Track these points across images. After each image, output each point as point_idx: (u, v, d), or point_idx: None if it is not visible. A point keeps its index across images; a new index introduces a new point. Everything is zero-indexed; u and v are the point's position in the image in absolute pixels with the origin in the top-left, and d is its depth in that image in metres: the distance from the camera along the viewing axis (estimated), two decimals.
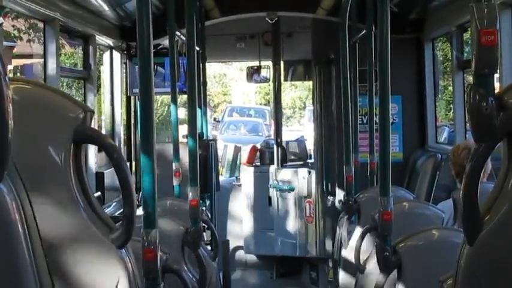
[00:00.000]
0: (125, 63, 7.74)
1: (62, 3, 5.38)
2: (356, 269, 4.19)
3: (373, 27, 5.51)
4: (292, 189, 8.83)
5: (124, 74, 7.73)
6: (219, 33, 8.91)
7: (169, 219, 4.27)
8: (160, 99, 18.97)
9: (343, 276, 5.12)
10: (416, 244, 3.32)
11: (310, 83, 10.21)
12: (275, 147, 9.27)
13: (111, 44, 7.29)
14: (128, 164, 7.40)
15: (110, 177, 6.41)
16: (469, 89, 1.86)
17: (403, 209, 4.18)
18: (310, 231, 8.66)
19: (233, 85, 35.88)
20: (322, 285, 8.55)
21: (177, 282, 3.02)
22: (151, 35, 2.75)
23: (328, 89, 8.12)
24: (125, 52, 7.64)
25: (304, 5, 7.71)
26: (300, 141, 10.29)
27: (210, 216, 6.78)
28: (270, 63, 10.00)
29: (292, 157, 9.48)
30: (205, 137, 7.66)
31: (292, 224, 8.88)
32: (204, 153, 6.91)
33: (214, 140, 9.07)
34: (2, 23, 3.85)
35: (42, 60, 5.30)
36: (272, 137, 10.38)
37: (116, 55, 7.46)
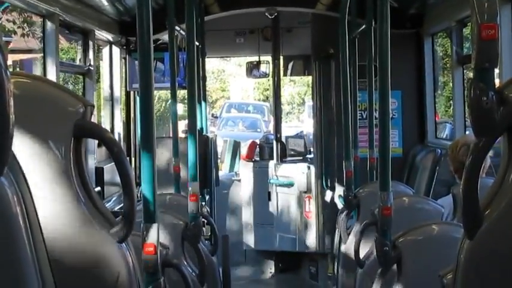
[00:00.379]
0: (125, 58, 7.73)
1: None
2: (356, 264, 4.19)
3: (373, 22, 5.51)
4: (291, 185, 8.83)
5: (123, 69, 7.73)
6: (218, 28, 8.91)
7: (169, 214, 4.27)
8: (158, 95, 18.94)
9: (342, 271, 5.12)
10: (416, 239, 3.33)
11: (309, 78, 10.21)
12: (274, 142, 9.27)
13: (111, 39, 7.29)
14: (128, 159, 7.39)
15: (110, 172, 6.42)
16: (469, 83, 1.86)
17: (403, 204, 4.18)
18: (309, 226, 8.66)
19: (231, 81, 35.83)
20: (322, 280, 8.56)
21: (177, 277, 3.03)
22: (151, 30, 2.75)
23: (328, 84, 8.12)
24: (125, 47, 7.63)
25: (304, 0, 7.70)
26: (300, 137, 10.30)
27: (209, 211, 6.79)
28: (269, 58, 10.00)
29: (292, 152, 9.48)
30: (204, 133, 7.66)
31: (291, 219, 8.89)
32: (204, 149, 6.92)
33: (214, 135, 9.07)
34: (1, 17, 3.85)
35: (36, 55, 5.31)
36: (271, 132, 10.39)
37: (116, 50, 7.45)
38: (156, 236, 2.67)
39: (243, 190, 9.48)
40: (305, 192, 8.70)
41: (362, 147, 6.11)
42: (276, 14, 8.51)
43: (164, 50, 7.06)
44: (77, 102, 2.17)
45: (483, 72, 1.83)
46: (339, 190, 7.56)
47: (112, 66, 7.43)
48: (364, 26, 5.83)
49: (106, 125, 7.24)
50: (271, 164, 9.13)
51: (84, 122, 2.15)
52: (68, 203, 2.09)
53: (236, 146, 11.68)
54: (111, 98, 7.39)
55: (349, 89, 5.77)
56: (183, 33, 6.21)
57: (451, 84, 6.98)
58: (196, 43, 5.50)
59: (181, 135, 6.55)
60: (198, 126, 5.76)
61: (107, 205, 6.12)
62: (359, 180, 5.78)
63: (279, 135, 9.37)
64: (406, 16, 7.15)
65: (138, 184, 5.37)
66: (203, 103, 7.56)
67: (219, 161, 10.69)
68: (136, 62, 3.00)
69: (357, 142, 5.94)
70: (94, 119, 4.97)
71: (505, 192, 1.87)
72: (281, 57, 9.72)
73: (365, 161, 5.83)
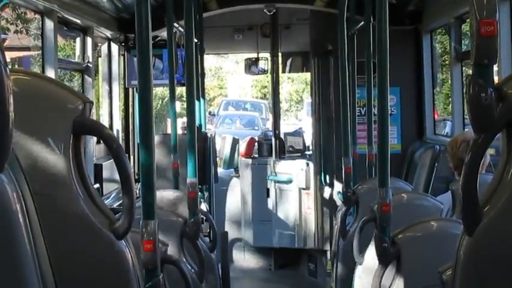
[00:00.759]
0: (123, 55, 7.72)
1: None
2: (354, 260, 4.19)
3: (372, 19, 5.50)
4: (290, 181, 8.84)
5: (122, 66, 7.73)
6: (217, 25, 8.91)
7: (168, 211, 4.27)
8: (154, 92, 18.95)
9: (341, 267, 5.12)
10: (415, 235, 3.33)
11: (307, 76, 10.21)
12: (273, 139, 9.27)
13: (109, 36, 7.28)
14: (126, 156, 7.39)
15: (109, 168, 6.42)
16: (468, 80, 1.86)
17: (402, 200, 4.18)
18: (308, 223, 8.67)
19: (229, 78, 35.75)
20: (321, 276, 8.57)
21: (176, 274, 3.03)
22: (150, 27, 2.75)
23: (326, 80, 8.12)
24: (123, 44, 7.63)
25: None
26: (298, 133, 10.30)
27: (208, 208, 6.79)
28: (268, 55, 10.00)
29: (290, 149, 9.49)
30: (203, 129, 7.66)
31: (290, 216, 8.89)
32: (203, 145, 6.92)
33: (213, 131, 9.08)
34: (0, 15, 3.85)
35: (32, 53, 5.31)
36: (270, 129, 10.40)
37: (114, 47, 7.45)
38: (155, 232, 2.67)
39: (242, 187, 9.48)
40: (304, 188, 8.71)
41: (361, 144, 6.11)
42: (274, 10, 8.51)
43: (163, 46, 7.05)
44: (76, 99, 2.17)
45: (482, 68, 1.83)
46: (338, 186, 7.57)
47: (111, 63, 7.42)
48: (362, 23, 5.83)
49: (105, 122, 7.24)
50: (270, 160, 9.14)
51: (83, 119, 2.14)
52: (67, 199, 2.09)
53: (235, 143, 11.68)
54: (110, 95, 7.38)
55: (347, 85, 5.77)
56: (182, 30, 6.21)
57: (449, 81, 6.99)
58: (195, 40, 5.50)
59: (179, 131, 6.54)
60: (197, 123, 5.76)
61: (105, 202, 6.12)
62: (358, 176, 5.78)
63: (277, 132, 9.37)
64: (405, 13, 7.15)
65: (137, 181, 5.38)
66: (202, 100, 7.56)
67: (217, 157, 10.69)
68: (135, 59, 2.99)
69: (356, 138, 5.94)
70: (93, 116, 4.98)
71: (504, 189, 1.87)
72: (280, 54, 9.72)
73: (364, 157, 5.83)
